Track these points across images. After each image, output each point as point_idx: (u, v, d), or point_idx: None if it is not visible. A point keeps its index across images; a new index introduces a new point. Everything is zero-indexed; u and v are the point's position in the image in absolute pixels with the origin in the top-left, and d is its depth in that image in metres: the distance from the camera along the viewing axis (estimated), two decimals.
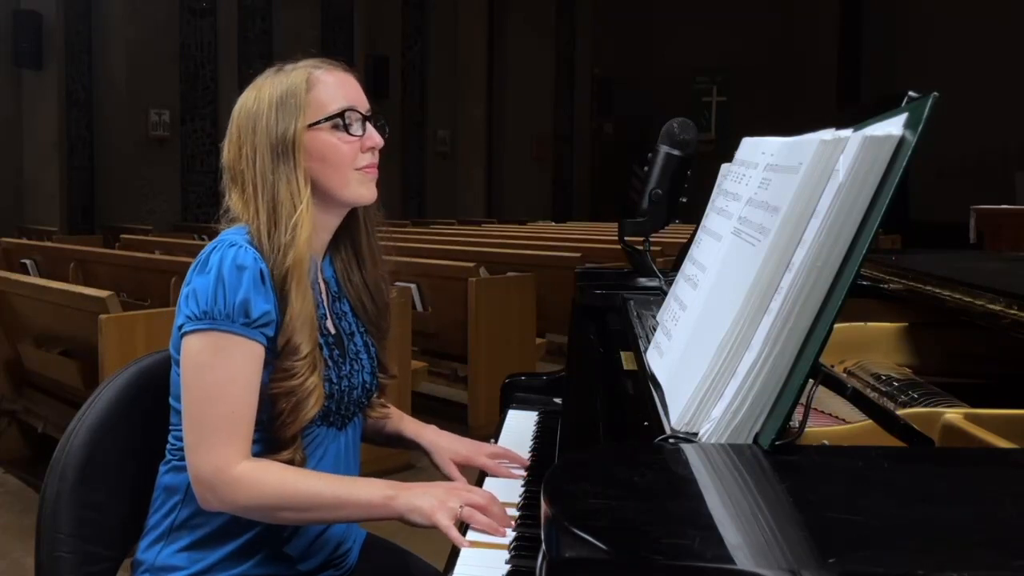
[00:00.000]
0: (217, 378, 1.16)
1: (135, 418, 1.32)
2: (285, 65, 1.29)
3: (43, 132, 9.80)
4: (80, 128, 10.15)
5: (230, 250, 1.18)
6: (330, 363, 1.28)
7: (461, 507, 1.12)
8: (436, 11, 13.83)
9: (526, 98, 14.83)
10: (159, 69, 10.11)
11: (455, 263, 4.83)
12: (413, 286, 4.50)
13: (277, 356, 1.19)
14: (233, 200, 1.27)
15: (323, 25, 12.03)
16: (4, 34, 9.50)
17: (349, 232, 1.37)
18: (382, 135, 1.31)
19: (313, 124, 1.24)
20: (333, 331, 1.33)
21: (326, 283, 1.36)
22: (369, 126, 1.28)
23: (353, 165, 1.27)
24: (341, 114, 1.25)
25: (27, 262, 5.62)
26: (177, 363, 1.23)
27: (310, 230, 1.22)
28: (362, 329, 1.38)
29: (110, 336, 2.81)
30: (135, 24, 9.92)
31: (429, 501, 1.13)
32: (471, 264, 4.68)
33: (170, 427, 1.28)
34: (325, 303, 1.33)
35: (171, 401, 1.27)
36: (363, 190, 1.29)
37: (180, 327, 1.20)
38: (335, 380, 1.28)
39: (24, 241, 6.82)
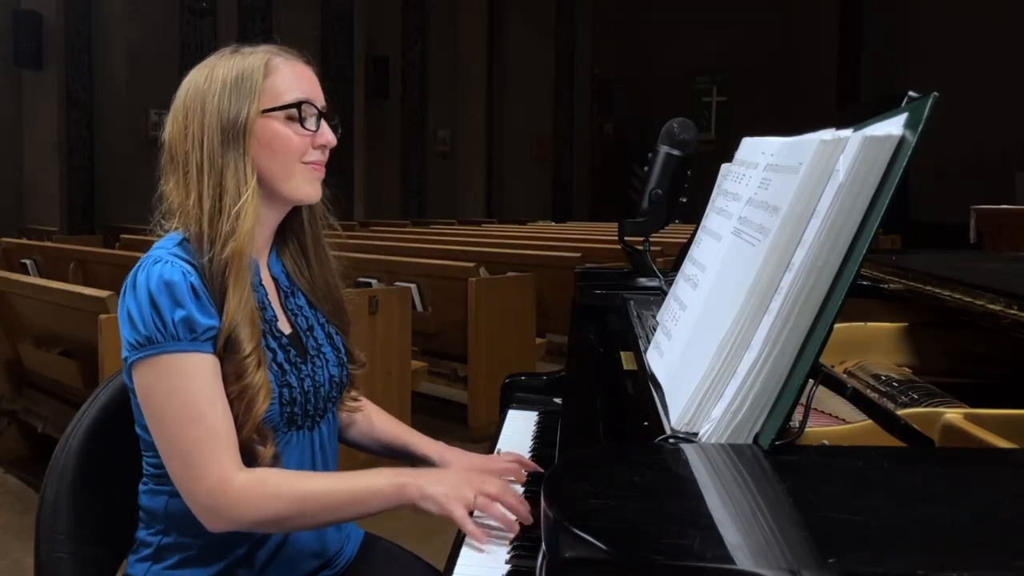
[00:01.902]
0: (183, 401, 1.11)
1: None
2: (243, 47, 1.25)
3: (43, 132, 9.81)
4: (80, 128, 10.14)
5: (155, 268, 1.13)
6: (287, 367, 1.23)
7: (475, 497, 1.09)
8: (436, 11, 13.83)
9: (526, 98, 14.83)
10: (159, 69, 10.08)
11: (455, 263, 4.83)
12: (413, 286, 4.50)
13: (223, 359, 1.14)
14: (170, 185, 1.22)
15: (323, 25, 12.03)
16: (4, 34, 9.51)
17: (293, 229, 1.33)
18: (335, 134, 1.27)
19: (267, 111, 1.20)
20: (289, 330, 1.28)
21: (274, 280, 1.31)
22: (324, 123, 1.24)
23: (300, 158, 1.22)
24: (298, 105, 1.21)
25: (27, 262, 5.62)
26: (133, 392, 1.18)
27: (253, 221, 1.17)
28: (322, 320, 1.34)
29: (110, 336, 2.81)
30: (135, 24, 9.92)
31: (442, 489, 1.10)
32: (471, 264, 4.68)
33: (142, 452, 1.24)
34: (275, 303, 1.28)
35: (136, 430, 1.23)
36: (308, 187, 1.24)
37: (126, 359, 1.15)
38: (295, 383, 1.22)
39: (24, 241, 6.82)
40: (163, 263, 1.14)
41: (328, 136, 1.25)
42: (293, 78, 1.23)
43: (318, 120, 1.24)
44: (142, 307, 1.12)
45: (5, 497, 3.53)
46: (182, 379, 1.12)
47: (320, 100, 1.25)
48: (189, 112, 1.21)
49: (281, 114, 1.21)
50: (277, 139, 1.21)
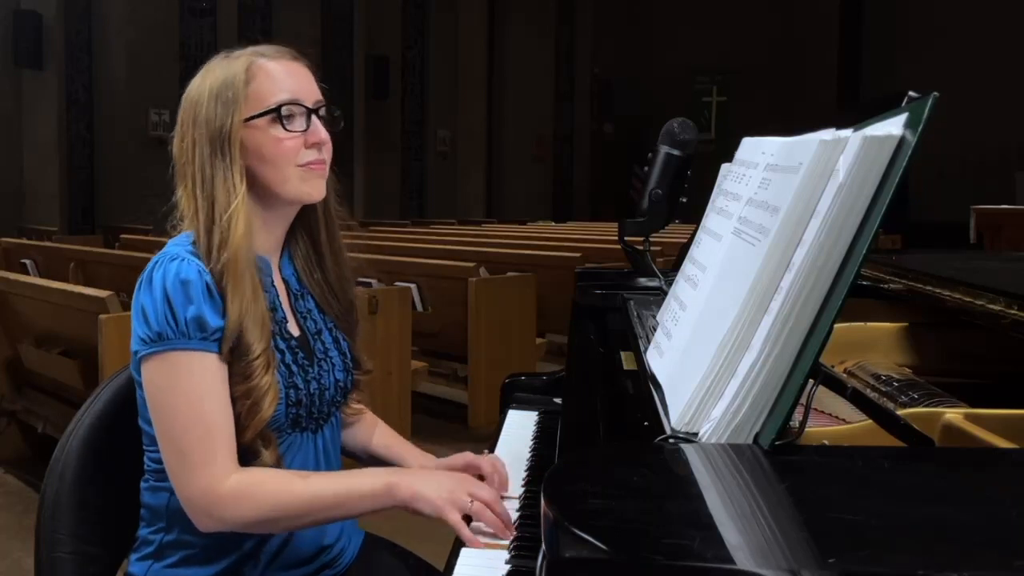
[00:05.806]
0: (185, 399, 1.12)
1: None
2: (232, 51, 1.23)
3: (43, 132, 9.81)
4: (80, 128, 10.14)
5: (172, 264, 1.13)
6: (295, 368, 1.23)
7: (471, 502, 1.09)
8: (436, 11, 13.83)
9: (526, 98, 14.83)
10: (159, 69, 10.09)
11: (455, 263, 4.84)
12: (413, 286, 4.50)
13: (230, 360, 1.14)
14: (179, 194, 1.21)
15: (323, 25, 12.03)
16: (4, 34, 9.50)
17: (307, 228, 1.31)
18: (335, 127, 1.24)
19: (250, 118, 1.18)
20: (297, 333, 1.28)
21: (285, 282, 1.30)
22: (314, 120, 1.20)
23: (294, 161, 1.19)
24: (277, 109, 1.18)
25: (27, 262, 5.62)
26: (140, 385, 1.19)
27: (245, 226, 1.16)
28: (330, 325, 1.33)
29: (110, 336, 2.81)
30: (135, 24, 9.92)
31: (437, 491, 1.10)
32: (471, 264, 4.68)
33: (144, 448, 1.25)
34: (285, 304, 1.28)
35: (140, 423, 1.23)
36: (306, 187, 1.21)
37: (136, 352, 1.16)
38: (301, 385, 1.23)
39: (24, 241, 6.82)
40: (180, 260, 1.14)
41: (320, 134, 1.21)
42: (277, 79, 1.20)
43: (308, 117, 1.21)
44: (156, 303, 1.13)
45: (5, 497, 3.52)
46: (188, 377, 1.12)
47: (311, 96, 1.22)
48: (184, 123, 1.21)
49: (264, 119, 1.19)
50: (265, 146, 1.19)
